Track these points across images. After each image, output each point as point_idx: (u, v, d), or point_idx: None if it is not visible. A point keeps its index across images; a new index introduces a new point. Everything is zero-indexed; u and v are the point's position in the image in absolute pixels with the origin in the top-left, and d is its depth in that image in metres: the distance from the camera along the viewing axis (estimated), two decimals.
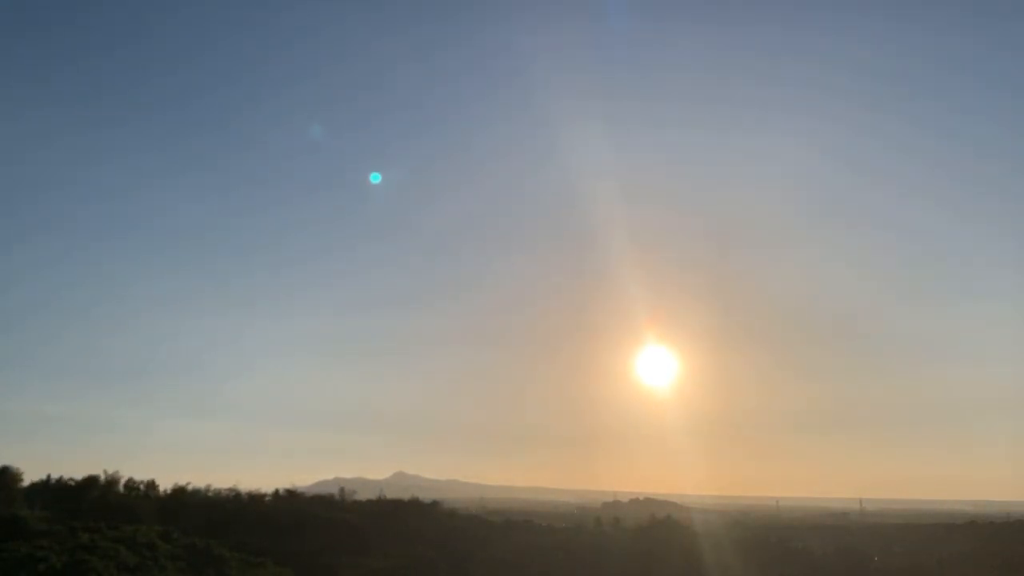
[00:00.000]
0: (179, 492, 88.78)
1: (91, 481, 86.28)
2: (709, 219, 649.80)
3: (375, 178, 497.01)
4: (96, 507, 76.00)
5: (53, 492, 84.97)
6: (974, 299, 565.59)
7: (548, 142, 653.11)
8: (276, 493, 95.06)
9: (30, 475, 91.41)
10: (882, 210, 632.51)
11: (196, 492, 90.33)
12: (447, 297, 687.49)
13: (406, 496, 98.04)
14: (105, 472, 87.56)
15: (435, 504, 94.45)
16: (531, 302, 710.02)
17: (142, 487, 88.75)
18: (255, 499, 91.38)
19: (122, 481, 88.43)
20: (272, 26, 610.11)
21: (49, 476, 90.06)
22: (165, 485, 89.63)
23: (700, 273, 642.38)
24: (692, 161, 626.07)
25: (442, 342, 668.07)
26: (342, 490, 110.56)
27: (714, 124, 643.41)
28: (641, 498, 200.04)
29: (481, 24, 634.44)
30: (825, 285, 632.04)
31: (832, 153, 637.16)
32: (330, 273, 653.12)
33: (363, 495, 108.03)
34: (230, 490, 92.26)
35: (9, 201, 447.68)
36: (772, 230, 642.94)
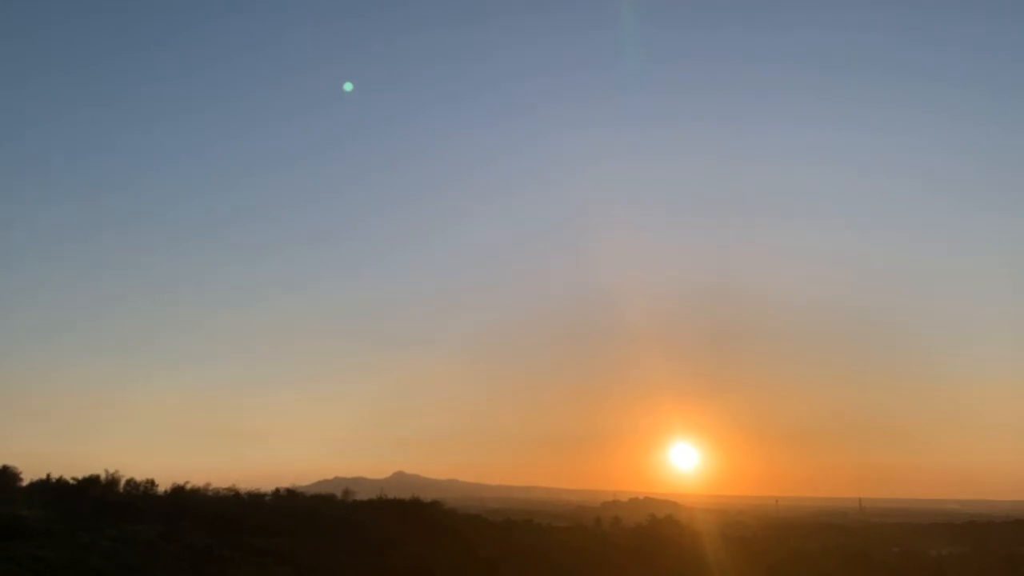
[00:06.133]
0: (179, 492, 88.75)
1: (91, 481, 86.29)
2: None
3: (348, 87, 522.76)
4: (96, 507, 76.01)
5: (53, 492, 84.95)
6: (976, 299, 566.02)
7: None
8: (276, 493, 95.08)
9: (30, 475, 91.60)
10: (883, 211, 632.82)
11: (196, 492, 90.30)
12: (450, 298, 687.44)
13: (406, 496, 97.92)
14: (105, 472, 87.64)
15: (435, 504, 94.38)
16: (534, 305, 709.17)
17: (142, 487, 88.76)
18: (255, 499, 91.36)
19: (122, 481, 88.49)
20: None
21: (49, 476, 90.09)
22: (165, 485, 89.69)
23: (705, 275, 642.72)
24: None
25: (444, 342, 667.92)
26: (343, 490, 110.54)
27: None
28: (641, 498, 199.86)
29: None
30: (824, 286, 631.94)
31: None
32: (334, 270, 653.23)
33: (363, 495, 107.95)
34: (230, 490, 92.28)
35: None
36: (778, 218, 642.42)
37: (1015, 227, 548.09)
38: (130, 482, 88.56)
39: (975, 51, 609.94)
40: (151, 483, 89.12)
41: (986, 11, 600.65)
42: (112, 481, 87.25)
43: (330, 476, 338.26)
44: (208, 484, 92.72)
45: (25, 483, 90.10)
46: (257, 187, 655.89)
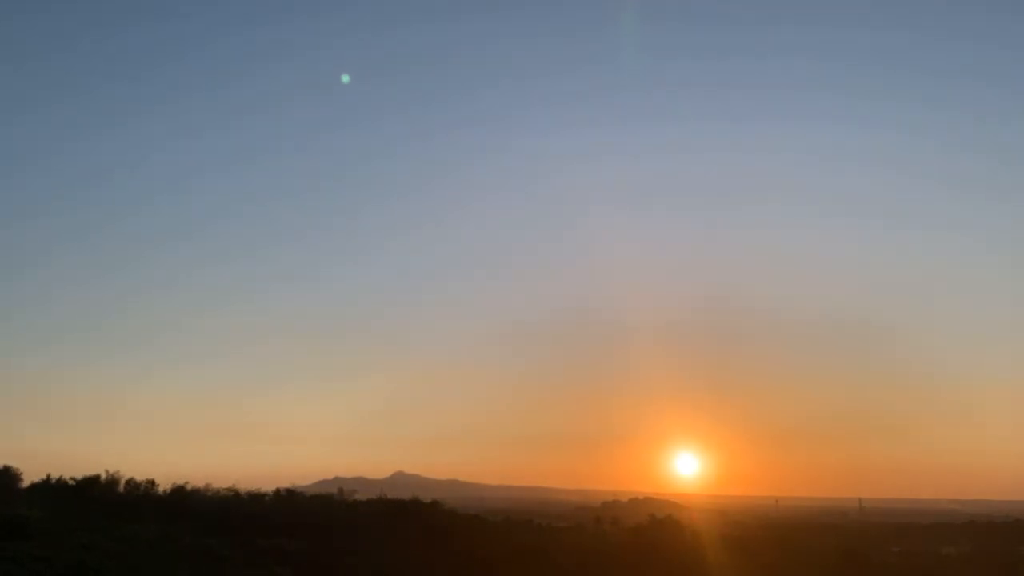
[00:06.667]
0: (179, 492, 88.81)
1: (91, 481, 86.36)
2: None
3: (345, 79, 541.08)
4: (96, 507, 76.05)
5: (53, 492, 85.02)
6: (976, 298, 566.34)
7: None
8: (276, 493, 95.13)
9: (30, 475, 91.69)
10: (883, 210, 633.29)
11: (196, 492, 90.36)
12: (451, 297, 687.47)
13: (406, 496, 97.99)
14: (105, 472, 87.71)
15: (435, 504, 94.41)
16: (534, 305, 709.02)
17: (142, 487, 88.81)
18: (255, 499, 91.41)
19: (122, 481, 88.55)
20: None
21: (49, 476, 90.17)
22: (165, 485, 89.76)
23: (706, 274, 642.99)
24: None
25: (444, 341, 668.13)
26: (342, 490, 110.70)
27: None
28: (641, 498, 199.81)
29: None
30: (822, 284, 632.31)
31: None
32: (334, 269, 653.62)
33: (363, 495, 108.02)
34: (230, 490, 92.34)
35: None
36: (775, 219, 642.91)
37: (1017, 225, 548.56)
38: (130, 482, 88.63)
39: (980, 46, 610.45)
40: (151, 483, 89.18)
41: (986, 6, 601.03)
42: (112, 481, 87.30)
43: (330, 476, 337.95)
44: (208, 484, 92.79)
45: (25, 483, 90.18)
46: (257, 183, 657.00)
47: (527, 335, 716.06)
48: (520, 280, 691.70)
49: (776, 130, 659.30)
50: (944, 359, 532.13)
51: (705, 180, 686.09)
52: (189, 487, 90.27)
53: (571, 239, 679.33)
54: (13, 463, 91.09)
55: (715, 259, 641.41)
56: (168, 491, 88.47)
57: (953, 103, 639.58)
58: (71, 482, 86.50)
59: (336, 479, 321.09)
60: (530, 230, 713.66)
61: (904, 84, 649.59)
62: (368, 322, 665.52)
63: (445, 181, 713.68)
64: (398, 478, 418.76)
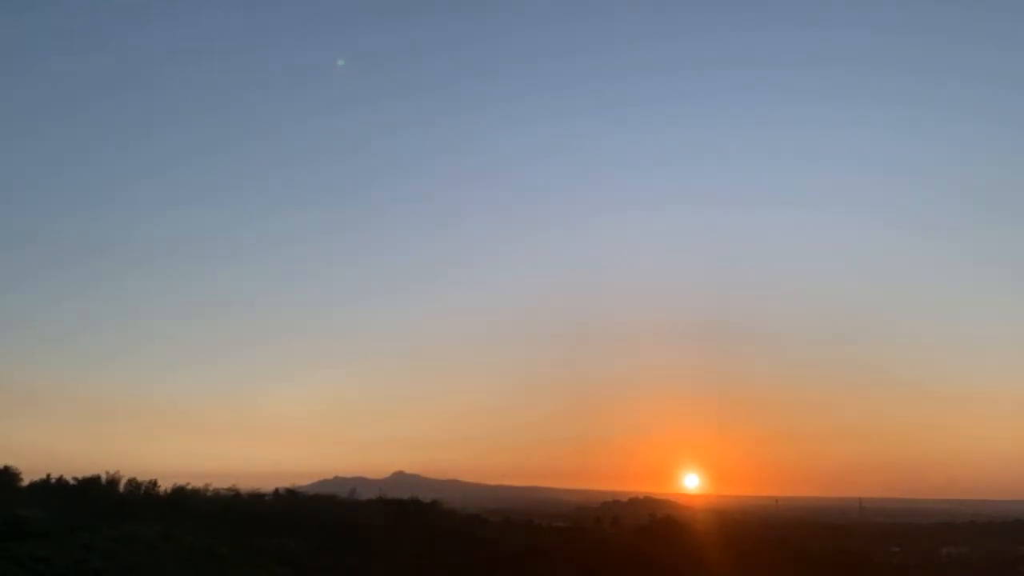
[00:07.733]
0: (179, 492, 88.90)
1: (91, 481, 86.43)
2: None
3: (341, 63, 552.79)
4: (96, 507, 76.09)
5: (53, 492, 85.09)
6: (977, 298, 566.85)
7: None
8: (276, 493, 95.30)
9: (30, 475, 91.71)
10: (885, 209, 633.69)
11: (196, 492, 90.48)
12: (453, 297, 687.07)
13: (406, 496, 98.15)
14: (105, 472, 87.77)
15: (435, 504, 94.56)
16: (534, 304, 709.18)
17: (142, 487, 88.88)
18: (255, 499, 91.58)
19: (122, 481, 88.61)
20: None
21: (49, 476, 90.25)
22: (165, 485, 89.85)
23: (708, 274, 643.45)
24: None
25: (444, 342, 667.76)
26: (341, 490, 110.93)
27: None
28: (641, 498, 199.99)
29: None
30: (827, 285, 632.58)
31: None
32: (330, 268, 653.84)
33: (363, 495, 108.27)
34: (230, 490, 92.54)
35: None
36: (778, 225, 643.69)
37: (1016, 226, 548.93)
38: (130, 482, 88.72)
39: (979, 46, 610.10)
40: (152, 483, 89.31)
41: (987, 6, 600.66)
42: (112, 481, 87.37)
43: (330, 476, 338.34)
44: (208, 484, 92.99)
45: (25, 483, 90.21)
46: (258, 185, 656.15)
47: (528, 336, 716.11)
48: (521, 280, 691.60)
49: (779, 132, 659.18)
50: (944, 359, 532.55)
51: (707, 180, 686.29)
52: (189, 487, 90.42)
53: (574, 239, 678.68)
54: (13, 463, 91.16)
55: (717, 259, 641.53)
56: (168, 491, 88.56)
57: (962, 107, 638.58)
58: (72, 482, 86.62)
59: (336, 479, 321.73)
60: (534, 229, 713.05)
61: (914, 74, 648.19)
62: (368, 321, 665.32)
63: (446, 178, 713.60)
64: (398, 478, 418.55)
